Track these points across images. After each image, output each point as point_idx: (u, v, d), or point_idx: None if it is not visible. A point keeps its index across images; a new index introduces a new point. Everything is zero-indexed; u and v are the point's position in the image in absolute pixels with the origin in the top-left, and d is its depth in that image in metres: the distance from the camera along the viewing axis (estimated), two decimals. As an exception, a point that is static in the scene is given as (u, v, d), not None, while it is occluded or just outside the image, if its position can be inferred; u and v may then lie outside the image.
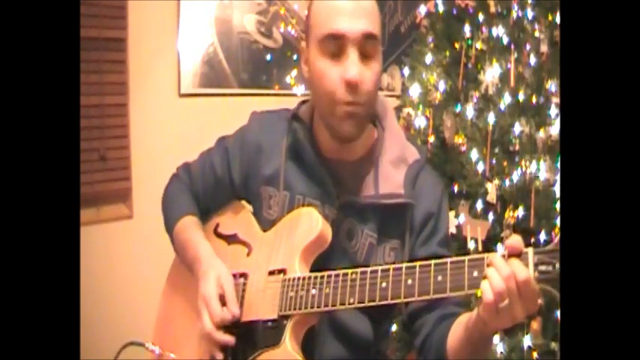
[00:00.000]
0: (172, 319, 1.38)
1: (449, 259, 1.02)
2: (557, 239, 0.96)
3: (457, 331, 1.12)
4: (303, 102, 1.34)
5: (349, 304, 1.09)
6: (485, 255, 0.99)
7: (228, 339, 1.17)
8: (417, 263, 1.05)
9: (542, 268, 0.94)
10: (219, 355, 1.18)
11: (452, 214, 2.33)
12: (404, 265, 1.06)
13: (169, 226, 1.38)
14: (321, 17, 1.17)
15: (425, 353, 1.20)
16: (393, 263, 1.17)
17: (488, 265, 0.97)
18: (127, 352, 1.27)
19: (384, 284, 1.06)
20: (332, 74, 1.15)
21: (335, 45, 1.14)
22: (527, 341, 2.11)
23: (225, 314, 1.16)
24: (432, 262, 1.03)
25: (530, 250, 0.96)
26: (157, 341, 1.34)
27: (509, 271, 0.93)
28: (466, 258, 1.01)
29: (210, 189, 1.37)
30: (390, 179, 1.22)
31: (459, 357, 1.12)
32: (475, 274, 0.98)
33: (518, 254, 0.96)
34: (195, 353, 1.27)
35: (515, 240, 0.97)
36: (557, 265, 0.93)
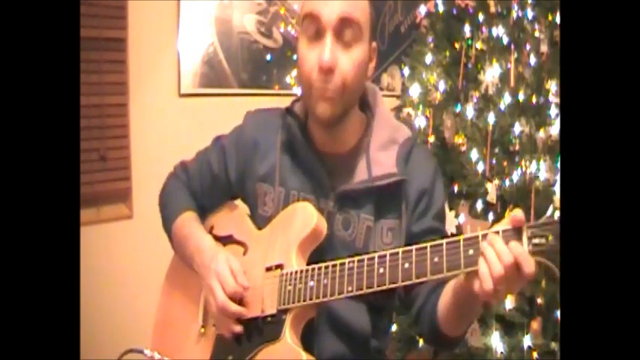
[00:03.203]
0: (170, 324, 1.38)
1: (444, 240, 1.03)
2: (549, 213, 0.98)
3: (446, 296, 1.14)
4: (298, 99, 1.34)
5: (347, 292, 1.10)
6: (480, 233, 1.00)
7: (242, 310, 1.18)
8: (413, 247, 1.05)
9: (536, 241, 0.96)
10: (238, 328, 1.18)
11: (452, 214, 2.33)
12: (400, 249, 1.07)
13: (168, 223, 1.38)
14: (305, 3, 1.19)
15: (420, 324, 1.23)
16: (391, 244, 1.20)
17: (484, 236, 0.98)
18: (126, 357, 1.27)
19: (381, 270, 1.07)
20: (310, 57, 1.17)
21: (313, 27, 1.16)
22: (527, 341, 2.11)
23: (237, 287, 1.18)
24: (428, 244, 1.04)
25: (524, 225, 0.97)
26: (155, 346, 1.34)
27: (511, 259, 0.94)
28: (461, 237, 1.02)
29: (207, 187, 1.37)
30: (381, 162, 1.23)
31: (448, 321, 1.14)
32: (471, 252, 0.99)
33: (519, 229, 0.97)
34: (193, 352, 1.27)
35: (519, 213, 0.98)
36: (550, 238, 0.95)
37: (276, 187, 1.26)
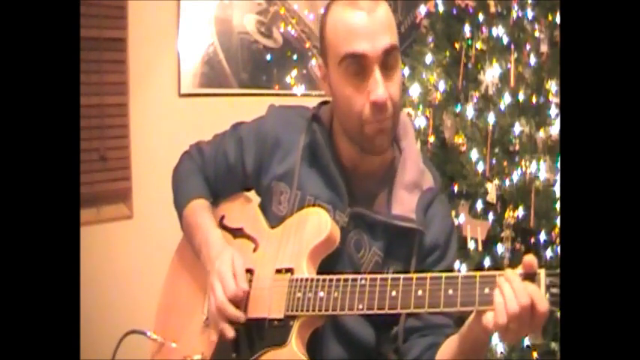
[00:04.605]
0: (174, 307, 1.37)
1: (460, 274, 1.02)
2: None
3: (449, 344, 1.13)
4: (324, 102, 1.33)
5: (358, 310, 1.09)
6: (497, 272, 0.99)
7: (240, 314, 1.17)
8: (428, 274, 1.05)
9: (554, 290, 0.95)
10: (230, 332, 1.17)
11: (452, 214, 2.33)
12: (415, 275, 1.06)
13: (179, 206, 1.38)
14: (339, 37, 1.15)
15: None
16: None
17: (500, 276, 0.97)
18: (128, 345, 1.27)
19: (393, 293, 1.06)
20: (357, 96, 1.14)
21: (356, 65, 1.13)
22: (527, 341, 2.11)
23: (237, 290, 1.16)
24: (443, 274, 1.03)
25: (542, 272, 0.96)
26: (158, 329, 1.34)
27: (527, 300, 0.93)
28: (478, 274, 1.01)
29: (221, 175, 1.36)
30: (403, 202, 1.22)
31: None
32: (486, 290, 0.98)
33: (532, 274, 0.96)
34: (196, 342, 1.27)
35: (531, 259, 0.97)
36: None
37: (294, 189, 1.25)
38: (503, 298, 0.94)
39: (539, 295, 0.94)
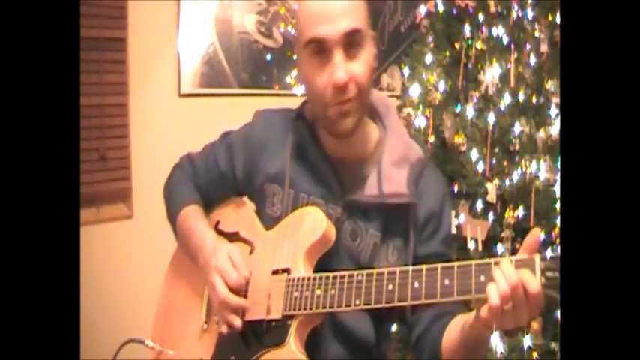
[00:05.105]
0: (172, 315, 1.37)
1: (456, 263, 1.03)
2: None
3: (453, 332, 1.13)
4: (307, 101, 1.34)
5: (355, 305, 1.09)
6: (492, 260, 1.00)
7: (244, 302, 1.18)
8: (424, 266, 1.05)
9: (549, 274, 0.95)
10: (237, 321, 1.18)
11: (452, 214, 2.33)
12: (410, 267, 1.07)
13: (172, 215, 1.38)
14: (303, 24, 1.18)
15: (419, 350, 1.21)
16: (397, 263, 1.19)
17: (496, 264, 0.98)
18: (126, 350, 1.27)
19: (390, 286, 1.06)
20: (320, 77, 1.15)
21: (318, 48, 1.15)
22: (527, 341, 2.11)
23: (239, 278, 1.18)
24: (439, 265, 1.04)
25: (537, 257, 0.97)
26: (155, 337, 1.34)
27: (516, 278, 0.94)
28: (473, 262, 1.01)
29: (213, 182, 1.37)
30: (393, 179, 1.22)
31: (454, 357, 1.13)
32: (482, 278, 0.99)
33: (527, 259, 0.97)
34: (195, 348, 1.27)
35: (536, 232, 0.98)
36: None
37: (286, 188, 1.26)
38: (494, 282, 0.96)
39: (530, 276, 0.95)
